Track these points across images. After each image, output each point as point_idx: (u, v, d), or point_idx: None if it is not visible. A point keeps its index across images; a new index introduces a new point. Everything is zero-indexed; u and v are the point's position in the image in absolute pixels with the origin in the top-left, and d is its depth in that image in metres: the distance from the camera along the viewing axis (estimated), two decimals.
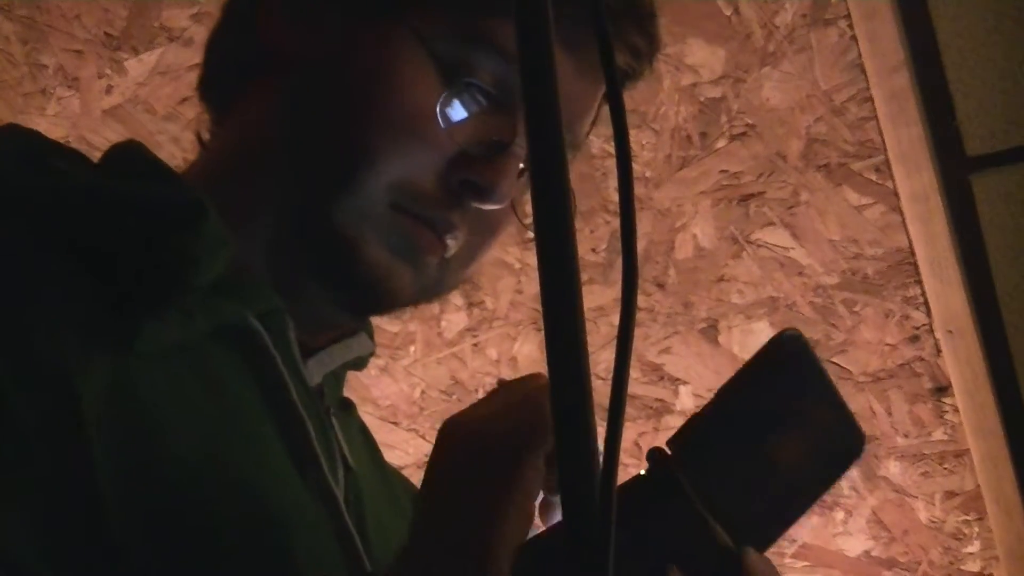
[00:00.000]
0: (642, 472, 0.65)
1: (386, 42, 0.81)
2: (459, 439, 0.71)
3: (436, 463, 0.71)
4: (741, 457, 0.67)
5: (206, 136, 0.90)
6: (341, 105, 0.81)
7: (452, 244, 0.83)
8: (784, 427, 0.68)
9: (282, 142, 0.83)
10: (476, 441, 0.70)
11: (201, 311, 0.75)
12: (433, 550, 0.68)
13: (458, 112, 0.81)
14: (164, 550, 0.68)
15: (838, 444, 0.71)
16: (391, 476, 0.98)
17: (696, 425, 0.66)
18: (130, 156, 0.82)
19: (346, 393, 0.92)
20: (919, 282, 2.05)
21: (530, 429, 0.68)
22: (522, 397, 0.71)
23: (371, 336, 0.92)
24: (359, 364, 0.91)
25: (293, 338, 0.81)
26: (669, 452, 0.66)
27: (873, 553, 2.23)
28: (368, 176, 0.79)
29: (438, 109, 0.80)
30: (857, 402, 2.15)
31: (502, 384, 0.77)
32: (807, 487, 0.70)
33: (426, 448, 2.28)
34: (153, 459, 0.69)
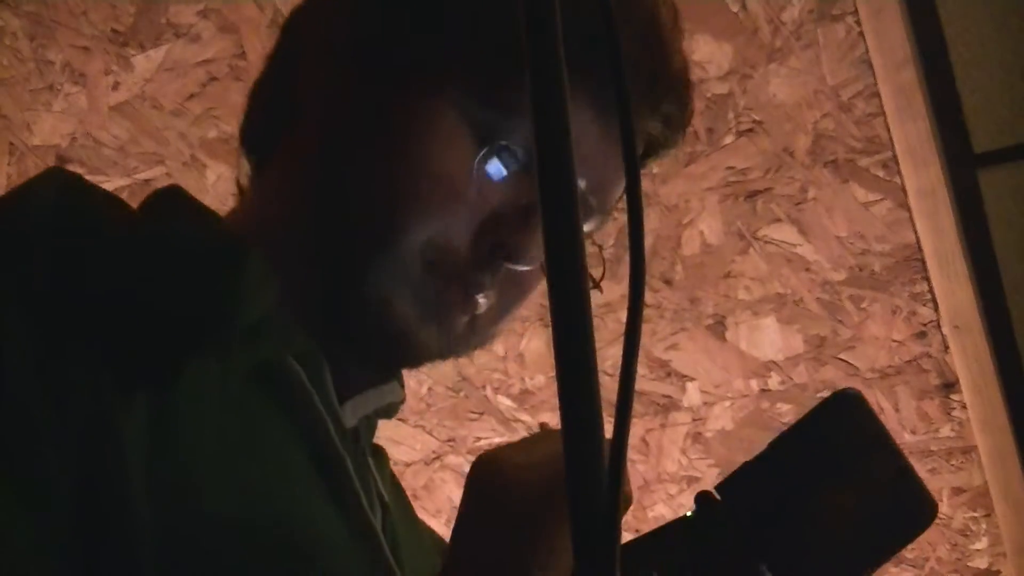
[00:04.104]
0: (688, 514, 0.64)
1: (421, 106, 0.82)
2: (496, 486, 0.74)
3: (470, 506, 0.75)
4: (794, 507, 0.65)
5: (244, 182, 0.92)
6: (378, 166, 0.82)
7: (482, 303, 0.84)
8: (840, 481, 0.66)
9: (320, 197, 0.84)
10: (511, 492, 0.72)
11: (240, 350, 0.77)
12: None
13: (491, 174, 0.82)
14: None
15: (900, 507, 0.68)
16: (422, 529, 1.00)
17: (748, 471, 0.65)
18: (172, 201, 0.84)
19: None
20: (926, 278, 2.05)
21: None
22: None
23: (402, 384, 0.93)
24: (390, 411, 0.92)
25: (329, 379, 0.82)
26: (718, 497, 0.66)
27: None
28: (403, 236, 0.81)
29: (472, 171, 0.81)
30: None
31: (545, 431, 0.79)
32: (866, 548, 0.67)
33: (433, 444, 2.28)
34: (193, 503, 0.70)
